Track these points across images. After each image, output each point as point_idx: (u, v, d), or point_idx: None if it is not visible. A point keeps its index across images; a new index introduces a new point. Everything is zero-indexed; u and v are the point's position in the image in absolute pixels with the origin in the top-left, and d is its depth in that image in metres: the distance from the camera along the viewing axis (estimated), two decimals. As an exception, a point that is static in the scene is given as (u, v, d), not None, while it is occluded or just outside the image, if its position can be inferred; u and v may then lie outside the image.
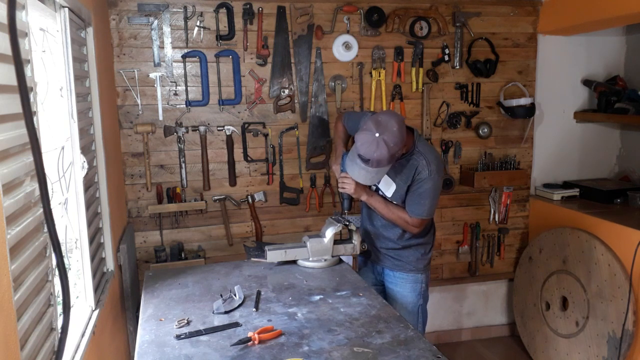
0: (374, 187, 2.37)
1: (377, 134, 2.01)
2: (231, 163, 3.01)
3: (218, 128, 2.97)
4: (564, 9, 3.12)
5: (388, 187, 2.29)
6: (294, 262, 2.32)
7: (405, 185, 2.24)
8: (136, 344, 1.63)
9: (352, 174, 2.17)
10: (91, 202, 2.02)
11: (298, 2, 2.96)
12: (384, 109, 3.16)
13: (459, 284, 3.53)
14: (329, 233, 2.30)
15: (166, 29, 2.83)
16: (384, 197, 2.34)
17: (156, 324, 1.74)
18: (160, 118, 2.89)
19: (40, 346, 1.27)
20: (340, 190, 2.33)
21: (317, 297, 1.96)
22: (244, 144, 3.01)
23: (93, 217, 2.03)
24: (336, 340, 1.61)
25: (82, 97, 1.97)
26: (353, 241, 2.36)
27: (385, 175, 2.25)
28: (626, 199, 3.17)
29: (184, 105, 2.91)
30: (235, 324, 1.72)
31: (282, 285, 2.09)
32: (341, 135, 2.53)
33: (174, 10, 2.83)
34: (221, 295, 1.92)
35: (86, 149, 1.96)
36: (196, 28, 2.87)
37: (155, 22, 2.81)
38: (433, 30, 3.15)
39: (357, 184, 2.25)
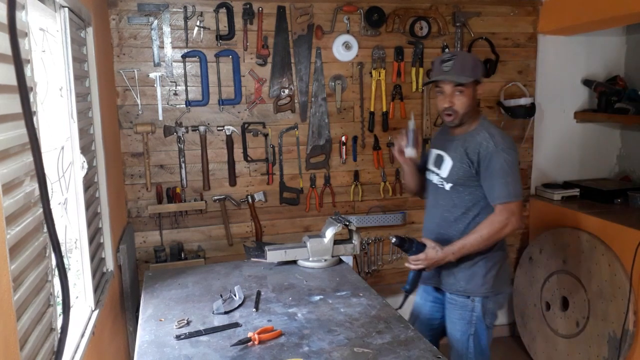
0: (434, 178, 2.12)
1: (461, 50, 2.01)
2: (231, 163, 3.01)
3: (218, 128, 2.97)
4: (564, 9, 3.12)
5: (443, 163, 2.06)
6: (294, 262, 2.32)
7: (462, 165, 1.99)
8: (136, 344, 1.62)
9: (436, 76, 1.97)
10: (91, 202, 2.02)
11: (298, 2, 2.96)
12: (384, 109, 3.16)
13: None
14: (329, 233, 2.30)
15: (166, 29, 2.83)
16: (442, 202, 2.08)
17: (156, 324, 1.74)
18: (160, 118, 2.89)
19: (40, 346, 1.27)
20: (413, 267, 2.03)
21: (317, 297, 1.95)
22: (244, 144, 3.01)
23: (93, 217, 2.03)
24: (336, 340, 1.61)
25: (82, 97, 1.97)
26: (353, 241, 2.36)
27: (440, 151, 2.10)
28: (626, 199, 3.17)
29: (184, 105, 2.91)
30: (235, 324, 1.72)
31: (282, 285, 2.09)
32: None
33: (174, 10, 2.83)
34: (221, 296, 1.92)
35: (86, 149, 1.96)
36: (196, 28, 2.86)
37: (155, 22, 2.81)
38: (433, 30, 3.15)
39: (429, 257, 1.98)
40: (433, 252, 1.98)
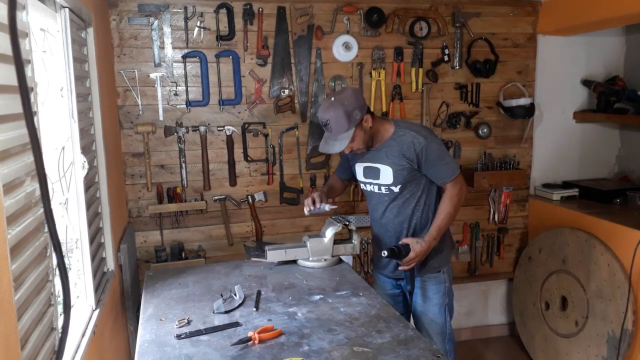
0: (375, 188, 2.30)
1: (332, 99, 2.09)
2: (231, 163, 3.01)
3: (218, 128, 2.97)
4: (564, 9, 3.12)
5: (380, 173, 2.22)
6: (294, 261, 2.33)
7: (403, 165, 2.15)
8: (137, 344, 1.63)
9: (321, 148, 2.19)
10: (92, 202, 2.03)
11: (298, 3, 2.97)
12: (384, 109, 3.16)
13: (458, 284, 3.50)
14: (329, 233, 2.30)
15: (166, 30, 2.83)
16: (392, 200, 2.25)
17: (156, 324, 1.75)
18: (161, 118, 2.89)
19: (40, 346, 1.28)
20: (408, 267, 2.19)
21: (317, 297, 1.96)
22: (244, 144, 3.02)
23: (93, 217, 2.03)
24: (336, 339, 1.62)
25: (83, 97, 1.97)
26: (353, 241, 2.37)
27: (369, 163, 2.25)
28: (625, 199, 3.17)
29: (184, 106, 2.91)
30: (236, 324, 1.73)
31: (282, 285, 2.09)
32: (330, 182, 2.54)
33: (174, 10, 2.84)
34: (221, 295, 1.93)
35: (87, 149, 1.96)
36: (196, 28, 2.87)
37: (156, 22, 2.81)
38: (433, 30, 3.15)
39: (418, 252, 2.15)
40: (419, 247, 2.16)
